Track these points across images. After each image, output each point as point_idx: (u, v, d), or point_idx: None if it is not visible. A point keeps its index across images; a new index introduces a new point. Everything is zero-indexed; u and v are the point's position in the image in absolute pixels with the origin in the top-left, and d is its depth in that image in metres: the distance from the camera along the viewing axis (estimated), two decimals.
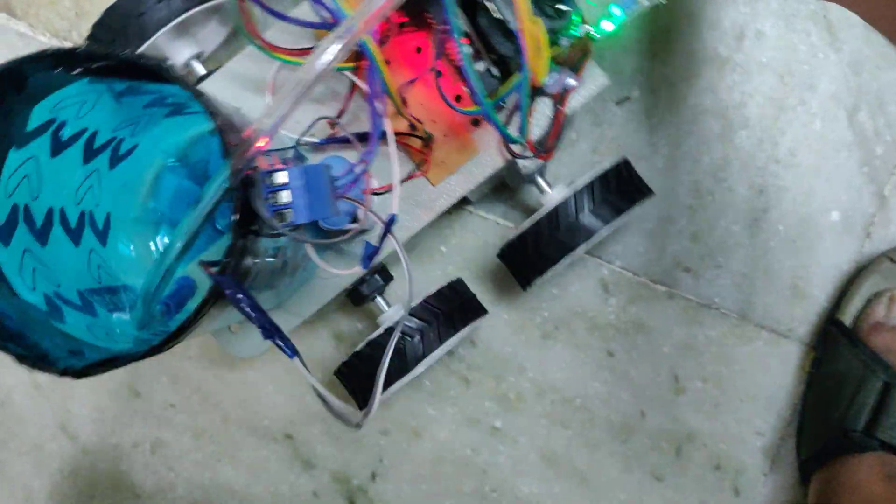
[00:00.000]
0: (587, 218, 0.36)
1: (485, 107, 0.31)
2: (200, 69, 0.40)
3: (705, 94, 0.44)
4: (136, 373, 0.47)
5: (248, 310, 0.25)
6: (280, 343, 0.26)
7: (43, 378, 0.47)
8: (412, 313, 0.37)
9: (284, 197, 0.26)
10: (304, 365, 0.26)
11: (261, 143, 0.24)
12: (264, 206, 0.25)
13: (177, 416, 0.47)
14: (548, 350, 0.45)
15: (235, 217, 0.24)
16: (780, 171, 0.44)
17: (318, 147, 0.37)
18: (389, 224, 0.30)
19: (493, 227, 0.45)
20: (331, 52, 0.24)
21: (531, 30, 0.29)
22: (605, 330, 0.45)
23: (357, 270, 0.34)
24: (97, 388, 0.47)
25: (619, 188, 0.37)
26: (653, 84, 0.44)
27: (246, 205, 0.25)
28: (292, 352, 0.26)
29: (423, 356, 0.36)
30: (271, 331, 0.26)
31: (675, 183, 0.45)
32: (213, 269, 0.24)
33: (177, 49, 0.39)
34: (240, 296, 0.24)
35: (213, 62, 0.41)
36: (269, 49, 0.32)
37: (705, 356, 0.45)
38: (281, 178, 0.26)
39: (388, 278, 0.40)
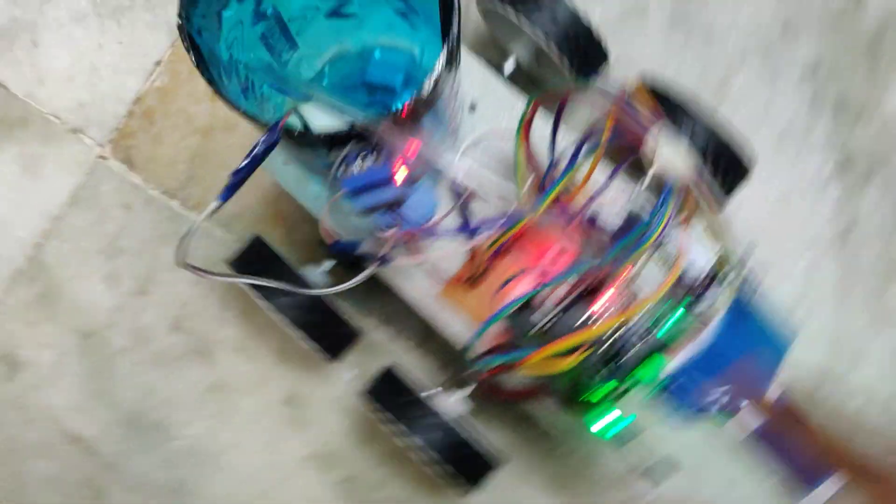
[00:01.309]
0: (418, 434, 0.36)
1: (483, 324, 0.31)
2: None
3: None
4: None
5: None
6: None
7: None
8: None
9: (356, 168, 0.27)
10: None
11: (413, 146, 0.26)
12: (353, 164, 0.27)
13: None
14: None
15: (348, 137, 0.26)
16: None
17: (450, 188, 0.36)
18: (383, 260, 0.32)
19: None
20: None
21: (552, 354, 0.29)
22: None
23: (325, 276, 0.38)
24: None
25: (464, 462, 0.37)
26: None
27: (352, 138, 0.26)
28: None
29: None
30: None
31: None
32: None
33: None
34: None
35: None
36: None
37: None
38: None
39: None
